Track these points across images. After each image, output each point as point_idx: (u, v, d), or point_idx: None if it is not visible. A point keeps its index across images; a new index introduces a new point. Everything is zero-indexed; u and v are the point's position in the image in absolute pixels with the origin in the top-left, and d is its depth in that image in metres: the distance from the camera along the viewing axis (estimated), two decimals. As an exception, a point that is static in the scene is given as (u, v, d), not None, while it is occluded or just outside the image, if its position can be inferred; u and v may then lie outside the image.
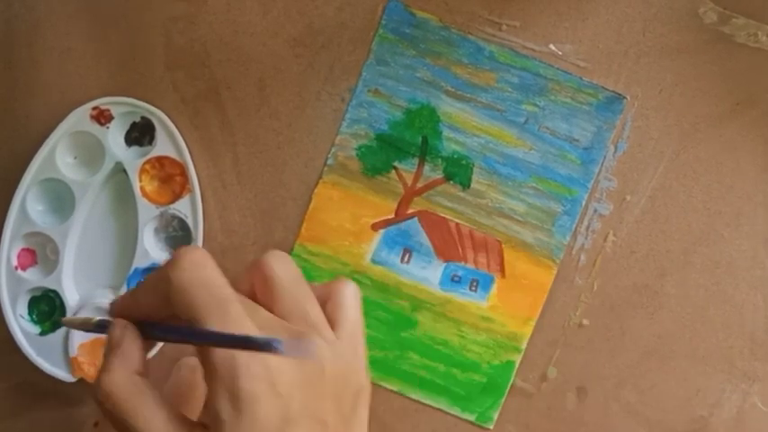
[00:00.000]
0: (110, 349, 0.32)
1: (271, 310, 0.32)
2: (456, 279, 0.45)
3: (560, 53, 0.43)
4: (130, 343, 0.32)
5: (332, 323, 0.33)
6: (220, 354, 0.29)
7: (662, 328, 0.45)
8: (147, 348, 0.33)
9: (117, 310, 0.34)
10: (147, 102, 0.43)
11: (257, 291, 0.33)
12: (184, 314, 0.30)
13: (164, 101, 0.44)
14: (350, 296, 0.34)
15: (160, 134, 0.43)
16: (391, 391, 0.46)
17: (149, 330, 0.33)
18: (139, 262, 0.44)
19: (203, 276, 0.30)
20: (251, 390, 0.28)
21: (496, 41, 0.43)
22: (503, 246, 0.45)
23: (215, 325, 0.29)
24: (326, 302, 0.34)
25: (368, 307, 0.44)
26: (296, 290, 0.32)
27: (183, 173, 0.44)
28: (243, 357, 0.28)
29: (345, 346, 0.33)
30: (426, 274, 0.45)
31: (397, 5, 0.43)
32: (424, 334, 0.45)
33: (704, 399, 0.45)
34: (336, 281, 0.34)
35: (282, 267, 0.32)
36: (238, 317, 0.29)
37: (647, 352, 0.45)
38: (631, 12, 0.43)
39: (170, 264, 0.30)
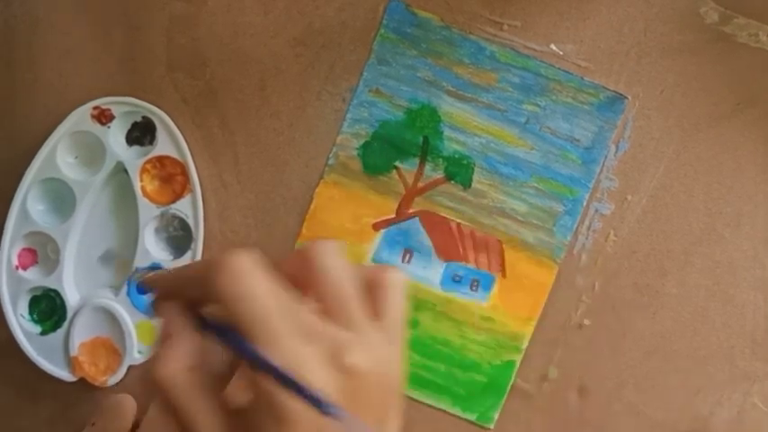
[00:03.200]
0: (161, 338, 0.32)
1: (317, 300, 0.32)
2: (457, 279, 0.45)
3: (561, 53, 0.43)
4: (181, 335, 0.32)
5: (375, 312, 0.33)
6: (272, 390, 0.29)
7: (663, 327, 0.45)
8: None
9: (161, 292, 0.33)
10: (148, 102, 0.43)
11: (301, 277, 0.33)
12: (228, 321, 0.30)
13: (164, 101, 0.44)
14: (397, 287, 0.34)
15: (161, 134, 0.43)
16: (392, 390, 0.46)
17: (202, 325, 0.32)
18: (140, 262, 0.44)
19: (247, 288, 0.30)
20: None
21: (498, 41, 0.43)
22: (504, 246, 0.45)
23: (257, 341, 0.29)
24: (373, 289, 0.33)
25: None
26: (341, 285, 0.32)
27: (184, 172, 0.44)
28: (295, 407, 0.28)
29: (384, 341, 0.33)
30: (427, 274, 0.45)
31: (398, 5, 0.43)
32: (425, 334, 0.45)
33: (705, 398, 0.45)
34: (383, 268, 0.34)
35: (330, 259, 0.32)
36: (280, 337, 0.29)
37: (648, 352, 0.45)
38: (633, 11, 0.43)
39: (215, 269, 0.30)
